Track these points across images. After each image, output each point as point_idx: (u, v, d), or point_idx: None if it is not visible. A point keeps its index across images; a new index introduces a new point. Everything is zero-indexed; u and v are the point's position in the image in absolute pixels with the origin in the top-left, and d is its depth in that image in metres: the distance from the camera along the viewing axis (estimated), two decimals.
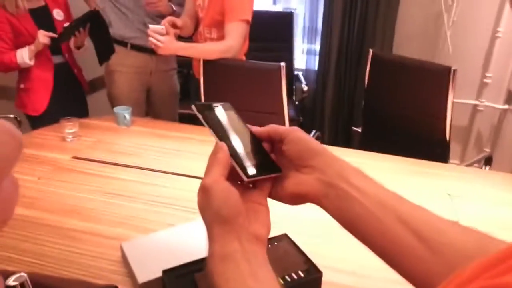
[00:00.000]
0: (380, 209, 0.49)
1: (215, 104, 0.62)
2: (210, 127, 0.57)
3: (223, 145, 0.54)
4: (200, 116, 0.58)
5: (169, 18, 1.92)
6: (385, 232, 0.49)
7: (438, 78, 1.88)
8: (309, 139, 0.56)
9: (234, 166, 0.54)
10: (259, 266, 0.47)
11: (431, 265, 0.46)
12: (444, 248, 0.46)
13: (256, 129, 0.60)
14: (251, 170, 0.54)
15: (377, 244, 0.50)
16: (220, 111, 0.61)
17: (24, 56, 1.99)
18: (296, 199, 0.55)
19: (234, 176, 0.53)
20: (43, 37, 1.98)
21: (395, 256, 0.49)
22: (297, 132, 0.57)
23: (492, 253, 0.27)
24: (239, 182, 0.56)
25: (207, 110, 0.59)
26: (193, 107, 0.58)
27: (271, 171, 0.56)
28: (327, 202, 0.53)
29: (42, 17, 2.07)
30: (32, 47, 2.00)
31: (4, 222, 0.19)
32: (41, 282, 0.82)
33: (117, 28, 2.20)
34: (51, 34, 2.00)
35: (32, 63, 2.02)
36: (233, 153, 0.54)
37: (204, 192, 0.50)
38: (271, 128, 0.58)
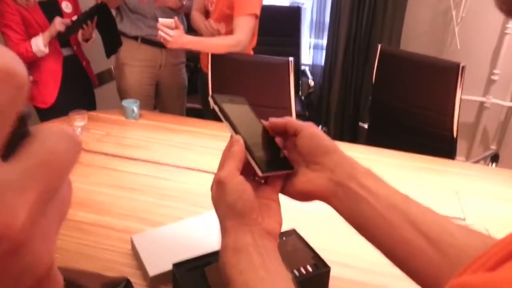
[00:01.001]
0: (390, 210, 0.50)
1: (231, 97, 0.62)
2: (227, 120, 0.57)
3: (239, 138, 0.54)
4: (217, 108, 0.58)
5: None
6: (394, 233, 0.50)
7: (447, 74, 1.87)
8: (322, 136, 0.56)
9: (249, 161, 0.54)
10: (271, 259, 0.48)
11: (439, 266, 0.46)
12: (452, 250, 0.46)
13: (273, 119, 0.60)
14: (266, 166, 0.54)
15: (386, 245, 0.51)
16: (236, 105, 0.61)
17: (39, 43, 2.01)
18: (305, 196, 0.56)
19: (247, 170, 0.54)
20: (60, 24, 1.99)
21: (403, 257, 0.49)
22: (312, 128, 0.57)
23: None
24: (251, 177, 0.57)
25: (224, 103, 0.59)
26: (211, 99, 0.58)
27: (284, 167, 0.57)
28: (337, 201, 0.53)
29: (51, 9, 2.08)
30: (47, 33, 2.01)
31: (62, 222, 0.20)
32: None
33: (128, 27, 2.20)
34: (67, 21, 2.01)
35: (47, 50, 2.04)
36: (248, 148, 0.54)
37: (219, 186, 0.51)
38: (288, 121, 0.58)
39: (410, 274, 0.49)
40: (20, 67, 0.16)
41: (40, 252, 0.17)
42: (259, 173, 0.53)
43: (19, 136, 0.18)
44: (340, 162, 0.54)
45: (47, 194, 0.18)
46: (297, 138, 0.57)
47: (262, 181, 0.57)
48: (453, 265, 0.45)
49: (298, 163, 0.57)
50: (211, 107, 0.59)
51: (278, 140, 0.60)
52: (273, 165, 0.55)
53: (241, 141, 0.54)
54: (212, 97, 0.59)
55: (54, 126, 0.19)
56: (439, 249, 0.47)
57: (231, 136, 0.56)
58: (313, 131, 0.57)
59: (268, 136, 0.60)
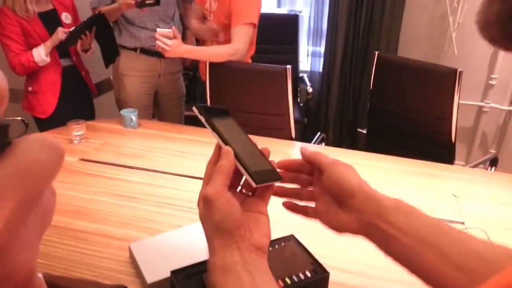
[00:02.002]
0: (421, 246, 0.50)
1: (215, 107, 0.60)
2: (214, 130, 0.56)
3: (230, 150, 0.53)
4: (202, 119, 0.57)
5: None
6: (426, 268, 0.50)
7: (444, 80, 1.88)
8: (347, 177, 0.56)
9: (241, 172, 0.53)
10: (260, 276, 0.47)
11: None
12: (482, 273, 0.46)
13: (305, 151, 0.61)
14: (259, 177, 0.53)
15: (419, 275, 0.51)
16: (221, 115, 0.59)
17: (40, 53, 2.02)
18: (342, 233, 0.58)
19: (233, 182, 0.53)
20: (62, 33, 2.02)
21: (435, 285, 0.50)
22: (336, 167, 0.57)
23: None
24: (238, 190, 0.56)
25: (209, 113, 0.57)
26: (194, 108, 0.57)
27: (274, 178, 0.56)
28: (370, 239, 0.55)
29: (51, 21, 2.09)
30: (48, 43, 2.03)
31: (44, 231, 0.20)
32: (51, 282, 0.84)
33: (128, 41, 2.22)
34: (68, 30, 2.03)
35: (49, 59, 2.05)
36: (240, 159, 0.53)
37: (207, 204, 0.49)
38: (316, 156, 0.59)
39: None
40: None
41: (19, 261, 0.17)
42: (253, 184, 0.52)
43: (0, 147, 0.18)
44: (366, 203, 0.54)
45: (27, 203, 0.18)
46: (322, 177, 0.58)
47: (250, 193, 0.57)
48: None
49: (328, 200, 0.58)
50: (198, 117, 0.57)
51: (265, 151, 0.59)
52: (264, 175, 0.54)
53: (232, 154, 0.52)
54: (196, 107, 0.57)
55: (36, 135, 0.20)
56: (473, 282, 0.47)
57: (216, 147, 0.55)
58: (336, 173, 0.56)
59: (255, 147, 0.58)
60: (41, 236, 0.20)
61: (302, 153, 0.61)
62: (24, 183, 0.18)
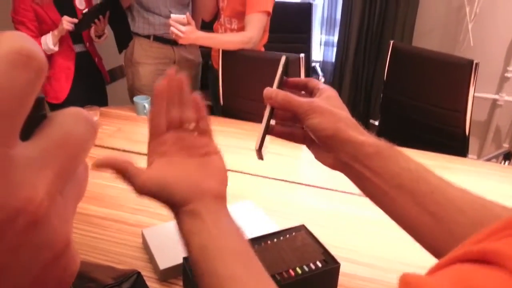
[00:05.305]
0: (396, 190, 0.50)
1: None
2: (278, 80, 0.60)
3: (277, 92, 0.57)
4: (282, 69, 0.61)
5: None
6: (399, 212, 0.51)
7: (460, 71, 1.85)
8: (321, 125, 0.54)
9: (261, 130, 0.55)
10: (221, 219, 0.48)
11: (446, 243, 0.47)
12: (459, 228, 0.47)
13: (277, 96, 0.57)
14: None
15: (393, 219, 0.52)
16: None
17: (48, 42, 2.03)
18: (325, 165, 0.57)
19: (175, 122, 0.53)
20: (67, 23, 2.01)
21: (409, 232, 0.51)
22: (310, 119, 0.54)
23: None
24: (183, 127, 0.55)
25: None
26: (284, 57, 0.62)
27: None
28: (346, 176, 0.55)
29: (64, 6, 2.10)
30: (56, 32, 2.03)
31: (78, 202, 0.21)
32: None
33: (141, 27, 2.21)
34: (74, 20, 2.03)
35: (56, 48, 2.06)
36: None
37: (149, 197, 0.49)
38: (289, 103, 0.56)
39: (412, 237, 0.51)
40: (40, 52, 0.17)
41: (57, 228, 0.18)
42: (256, 147, 0.54)
43: (36, 119, 0.18)
44: (342, 146, 0.53)
45: (65, 173, 0.18)
46: (307, 121, 0.55)
47: (196, 133, 0.55)
48: (456, 237, 0.46)
49: (309, 139, 0.58)
50: (282, 63, 0.60)
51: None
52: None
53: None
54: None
55: (71, 109, 0.20)
56: (446, 229, 0.47)
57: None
58: (310, 124, 0.54)
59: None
60: (75, 208, 0.20)
61: (272, 97, 0.56)
62: (62, 154, 0.18)
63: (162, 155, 0.52)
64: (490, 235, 0.31)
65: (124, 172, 0.48)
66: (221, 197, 0.50)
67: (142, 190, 0.48)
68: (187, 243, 0.47)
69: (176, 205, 0.48)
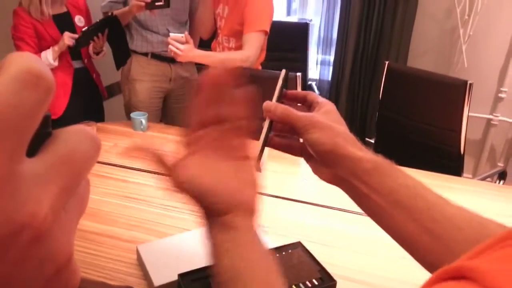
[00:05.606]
0: (394, 206, 0.50)
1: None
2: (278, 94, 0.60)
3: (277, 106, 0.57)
4: (281, 83, 0.62)
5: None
6: (397, 229, 0.51)
7: (454, 92, 1.88)
8: (319, 140, 0.53)
9: (260, 141, 0.56)
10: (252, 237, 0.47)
11: (444, 259, 0.47)
12: (458, 246, 0.47)
13: (276, 110, 0.57)
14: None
15: (390, 234, 0.52)
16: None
17: (48, 57, 2.05)
18: (323, 180, 0.57)
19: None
20: (68, 38, 2.04)
21: (408, 249, 0.51)
22: (309, 134, 0.54)
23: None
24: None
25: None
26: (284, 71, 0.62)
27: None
28: (345, 191, 0.55)
29: (64, 23, 2.12)
30: (56, 47, 2.06)
31: (80, 217, 0.21)
32: None
33: (139, 45, 2.24)
34: (76, 36, 2.06)
35: (56, 63, 2.08)
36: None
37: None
38: (287, 117, 0.56)
39: (408, 252, 0.51)
40: (49, 72, 0.17)
41: (60, 242, 0.18)
42: (255, 159, 0.54)
43: (42, 136, 0.19)
44: (340, 161, 0.53)
45: (68, 189, 0.19)
46: (305, 133, 0.54)
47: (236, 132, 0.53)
48: (451, 252, 0.46)
49: (307, 153, 0.57)
50: (282, 76, 0.61)
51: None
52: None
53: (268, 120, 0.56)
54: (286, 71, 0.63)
55: (75, 127, 0.21)
56: (443, 245, 0.47)
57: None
58: (309, 139, 0.54)
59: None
60: (77, 222, 0.21)
61: (271, 110, 0.56)
62: (67, 170, 0.19)
63: (197, 150, 0.50)
64: (481, 252, 0.31)
65: (161, 161, 0.48)
66: (254, 211, 0.49)
67: (181, 187, 0.48)
68: (215, 255, 0.46)
69: (212, 213, 0.48)
